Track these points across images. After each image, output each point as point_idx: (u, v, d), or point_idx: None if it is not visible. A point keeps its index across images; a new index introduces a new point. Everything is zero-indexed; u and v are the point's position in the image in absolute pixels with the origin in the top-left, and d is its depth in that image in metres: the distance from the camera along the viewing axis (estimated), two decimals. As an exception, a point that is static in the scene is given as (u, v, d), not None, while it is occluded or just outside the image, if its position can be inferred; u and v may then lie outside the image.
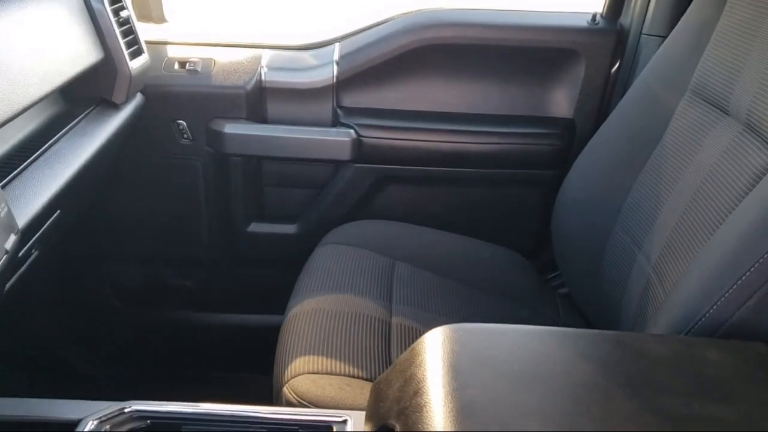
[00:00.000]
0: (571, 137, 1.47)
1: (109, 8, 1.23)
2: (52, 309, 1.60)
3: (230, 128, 1.44)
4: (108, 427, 0.76)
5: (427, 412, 0.61)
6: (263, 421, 0.78)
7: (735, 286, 0.78)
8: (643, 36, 1.39)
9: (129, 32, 1.30)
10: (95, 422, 0.76)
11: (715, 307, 0.79)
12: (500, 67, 1.48)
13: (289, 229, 1.56)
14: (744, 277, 0.78)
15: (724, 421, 0.62)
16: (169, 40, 1.51)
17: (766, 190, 0.81)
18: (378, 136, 1.46)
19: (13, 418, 0.78)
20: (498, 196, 1.53)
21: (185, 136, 1.46)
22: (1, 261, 0.74)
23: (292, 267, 1.32)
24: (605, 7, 1.44)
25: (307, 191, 1.54)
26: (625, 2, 1.43)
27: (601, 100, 1.46)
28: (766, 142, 0.89)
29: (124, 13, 1.29)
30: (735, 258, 0.79)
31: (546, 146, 1.47)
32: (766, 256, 0.76)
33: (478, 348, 0.70)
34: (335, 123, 1.46)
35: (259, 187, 1.54)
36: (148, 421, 0.78)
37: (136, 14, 1.37)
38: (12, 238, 0.77)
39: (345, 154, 1.45)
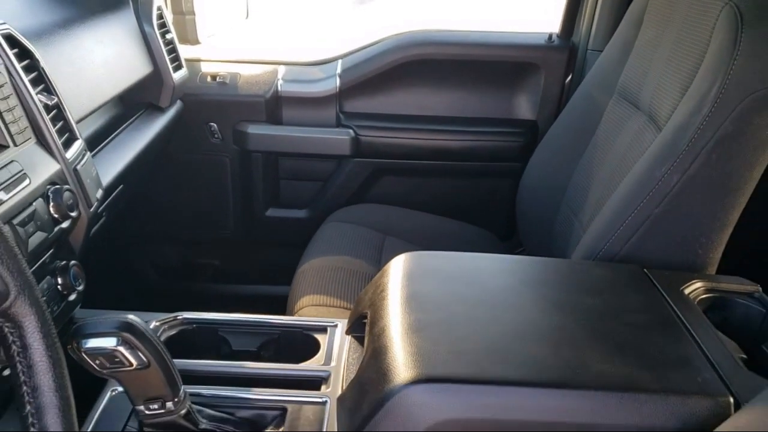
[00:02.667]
0: (534, 135, 1.74)
1: (157, 32, 1.53)
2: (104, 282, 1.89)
3: (252, 129, 1.74)
4: (165, 327, 1.04)
5: (386, 300, 0.89)
6: (278, 325, 1.06)
7: (621, 228, 1.06)
8: (588, 51, 1.67)
9: (172, 51, 1.60)
10: (157, 324, 1.04)
11: (609, 243, 1.07)
12: (474, 77, 1.76)
13: (300, 213, 1.85)
14: (626, 222, 1.05)
15: (593, 307, 0.89)
16: (203, 57, 1.82)
17: (648, 160, 1.08)
18: (373, 135, 1.75)
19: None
20: (474, 185, 1.81)
21: (215, 136, 1.76)
22: (94, 205, 1.04)
23: (302, 245, 1.59)
24: (560, 28, 1.73)
25: (315, 182, 1.83)
26: (575, 24, 1.71)
27: (558, 104, 1.73)
28: (658, 127, 1.16)
29: (168, 36, 1.60)
30: (622, 208, 1.07)
31: (513, 143, 1.75)
32: (640, 206, 1.04)
33: (429, 264, 0.98)
34: (338, 124, 1.75)
35: (276, 179, 1.83)
36: (194, 326, 1.06)
37: (177, 37, 1.68)
38: (100, 192, 1.07)
39: (345, 150, 1.75)
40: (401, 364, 0.74)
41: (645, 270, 0.99)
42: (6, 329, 0.51)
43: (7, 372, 0.75)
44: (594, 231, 1.11)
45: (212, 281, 1.94)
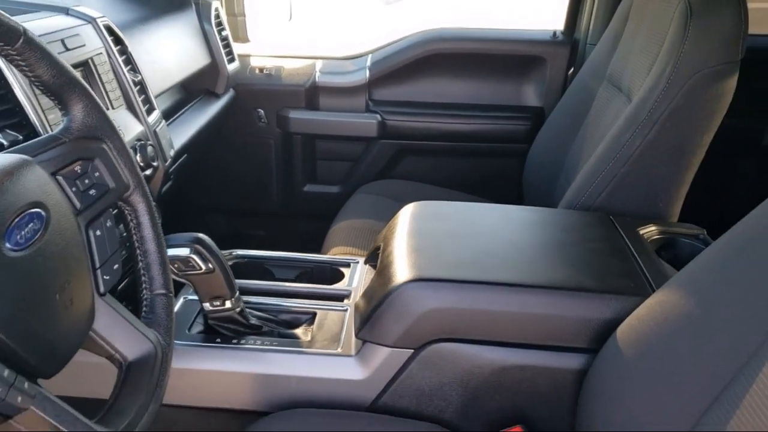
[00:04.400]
0: (540, 120, 1.95)
1: (215, 30, 1.79)
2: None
3: (293, 114, 1.99)
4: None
5: (395, 233, 1.11)
6: (312, 260, 1.30)
7: (594, 184, 1.26)
8: (588, 45, 1.87)
9: (227, 46, 1.86)
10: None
11: (584, 196, 1.27)
12: (487, 69, 1.98)
13: (334, 189, 2.08)
14: (598, 179, 1.26)
15: (560, 238, 1.10)
16: (252, 53, 2.07)
17: (616, 128, 1.28)
18: (397, 120, 1.98)
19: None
20: (486, 163, 2.02)
21: (262, 120, 2.02)
22: (169, 161, 1.29)
23: (335, 217, 1.82)
24: (564, 26, 1.94)
25: (346, 162, 2.07)
26: (577, 22, 1.92)
27: (561, 92, 1.93)
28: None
29: (224, 33, 1.86)
30: (595, 167, 1.27)
31: (521, 126, 1.96)
32: (609, 166, 1.24)
33: (432, 209, 1.20)
34: (367, 110, 1.99)
35: (313, 158, 2.08)
36: (245, 260, 1.31)
37: (230, 35, 1.94)
38: (172, 151, 1.33)
39: (373, 133, 1.98)
40: (400, 271, 0.97)
41: (611, 217, 1.20)
42: (126, 211, 0.75)
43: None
44: (574, 187, 1.31)
45: (257, 248, 2.18)
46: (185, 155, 1.56)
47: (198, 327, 1.06)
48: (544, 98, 1.96)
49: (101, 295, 0.68)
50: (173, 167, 1.45)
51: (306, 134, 2.02)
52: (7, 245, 0.54)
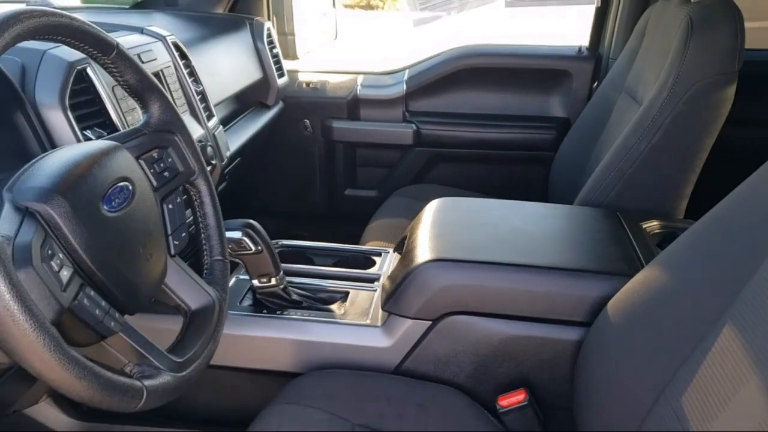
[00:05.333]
0: (565, 129, 2.06)
1: (267, 47, 1.97)
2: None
3: (336, 124, 2.15)
4: (269, 249, 1.44)
5: (420, 223, 1.25)
6: (348, 250, 1.44)
7: (604, 184, 1.38)
8: (610, 59, 1.98)
9: (277, 62, 2.04)
10: (263, 246, 1.44)
11: (596, 195, 1.39)
12: (516, 82, 2.10)
13: (372, 193, 2.23)
14: (608, 179, 1.37)
15: (567, 227, 1.22)
16: (300, 69, 2.25)
17: (625, 133, 1.39)
18: (431, 129, 2.12)
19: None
20: (514, 170, 2.14)
21: (308, 129, 2.18)
22: (225, 160, 1.46)
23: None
24: (589, 42, 2.06)
25: (384, 168, 2.22)
26: (601, 38, 2.03)
27: (586, 103, 2.04)
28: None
29: (275, 51, 2.04)
30: (606, 168, 1.39)
31: (547, 135, 2.07)
32: (618, 167, 1.35)
33: (456, 204, 1.33)
34: (403, 120, 2.14)
35: (354, 165, 2.23)
36: (289, 248, 1.46)
37: (281, 53, 2.11)
38: (228, 152, 1.50)
39: (408, 141, 2.12)
40: (421, 253, 1.11)
41: (617, 213, 1.31)
42: (192, 192, 0.92)
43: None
44: (587, 186, 1.43)
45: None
46: (239, 159, 1.73)
47: (247, 301, 1.22)
48: (569, 109, 2.08)
49: (172, 256, 0.84)
50: (228, 168, 1.62)
51: (347, 142, 2.18)
52: (105, 207, 0.70)
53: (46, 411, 1.19)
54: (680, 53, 1.29)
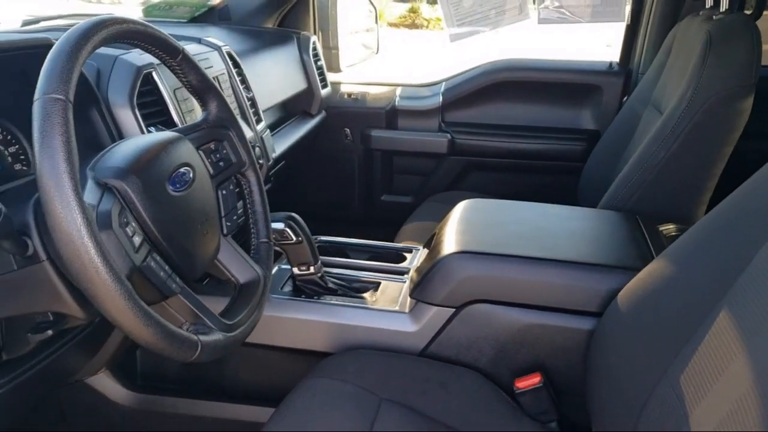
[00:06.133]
0: (595, 141, 2.12)
1: (312, 60, 2.09)
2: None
3: (375, 133, 2.26)
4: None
5: (448, 221, 1.34)
6: (382, 247, 1.54)
7: (626, 189, 1.44)
8: (639, 75, 2.04)
9: (321, 74, 2.16)
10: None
11: (617, 200, 1.45)
12: (548, 95, 2.18)
13: (407, 199, 2.33)
14: (630, 184, 1.44)
15: (588, 226, 1.29)
16: (343, 81, 2.37)
17: (646, 142, 1.45)
18: (465, 138, 2.20)
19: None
20: (544, 179, 2.20)
21: (348, 138, 2.30)
22: (271, 161, 1.57)
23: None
24: (619, 58, 2.12)
25: (419, 176, 2.31)
26: (631, 54, 2.10)
27: (615, 116, 2.10)
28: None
29: (319, 63, 2.16)
30: (628, 175, 1.45)
31: (578, 146, 2.14)
32: (639, 173, 1.42)
33: (482, 205, 1.42)
34: (439, 130, 2.23)
35: (390, 172, 2.33)
36: (327, 244, 1.56)
37: (325, 65, 2.23)
38: (274, 154, 1.61)
39: (443, 150, 2.22)
40: (447, 246, 1.19)
41: (636, 216, 1.37)
42: (242, 182, 1.02)
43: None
44: (610, 191, 1.50)
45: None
46: (283, 162, 1.85)
47: (288, 287, 1.32)
48: (599, 122, 2.14)
49: (224, 235, 0.95)
50: (273, 171, 1.74)
51: (385, 150, 2.28)
52: (170, 187, 0.81)
53: (104, 382, 1.31)
54: (699, 66, 1.36)
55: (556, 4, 1.95)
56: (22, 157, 1.02)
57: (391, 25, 11.51)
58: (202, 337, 0.77)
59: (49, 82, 0.66)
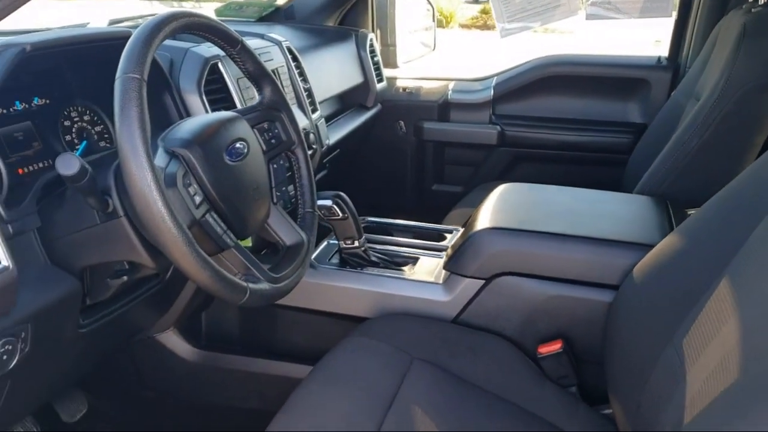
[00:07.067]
0: (642, 134, 2.15)
1: (369, 56, 2.21)
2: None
3: (427, 125, 2.35)
4: (357, 223, 1.66)
5: (484, 202, 1.43)
6: (422, 228, 1.64)
7: (661, 174, 1.49)
8: (687, 69, 2.06)
9: (377, 69, 2.27)
10: (352, 221, 1.66)
11: (652, 185, 1.50)
12: (597, 88, 2.22)
13: (457, 188, 2.41)
14: (664, 170, 1.49)
15: (615, 208, 1.36)
16: (399, 76, 2.48)
17: (680, 129, 1.50)
18: (515, 131, 2.27)
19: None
20: (590, 171, 2.24)
21: (402, 130, 2.40)
22: (325, 147, 1.70)
23: None
24: (668, 52, 2.15)
25: (469, 166, 2.40)
26: (679, 49, 2.12)
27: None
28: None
29: (375, 59, 2.27)
30: (663, 161, 1.50)
31: (624, 139, 2.17)
32: (672, 160, 1.47)
33: (518, 188, 1.50)
34: (489, 122, 2.31)
35: (442, 163, 2.43)
36: (374, 224, 1.67)
37: (382, 62, 2.35)
38: (327, 142, 1.74)
39: (493, 141, 2.29)
40: (480, 223, 1.29)
41: (667, 201, 1.42)
42: (291, 158, 1.15)
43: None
44: (644, 177, 1.55)
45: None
46: (338, 150, 1.98)
47: (335, 259, 1.44)
48: (646, 116, 2.17)
49: (274, 203, 1.08)
50: (328, 158, 1.87)
51: (437, 142, 2.38)
52: (227, 157, 0.94)
53: (172, 339, 1.47)
54: (732, 57, 1.40)
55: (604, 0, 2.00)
56: (106, 135, 1.18)
57: (462, 26, 11.51)
58: (251, 285, 0.89)
59: (127, 63, 0.80)
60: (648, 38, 5.63)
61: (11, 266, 0.82)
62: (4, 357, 0.85)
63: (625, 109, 2.22)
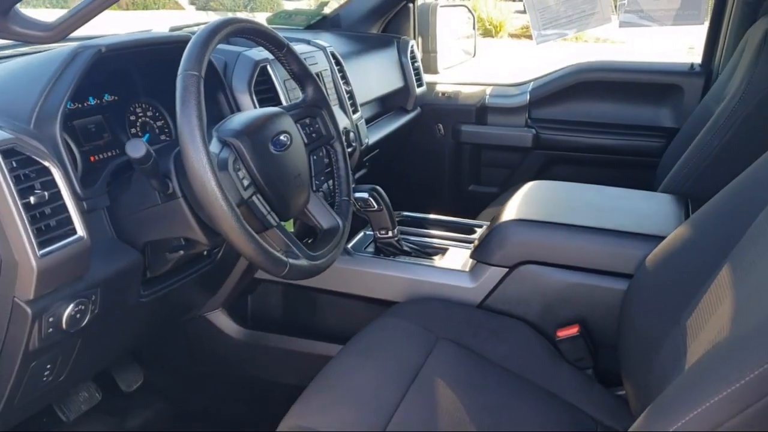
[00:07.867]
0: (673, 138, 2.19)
1: (410, 62, 2.31)
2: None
3: (465, 128, 2.44)
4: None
5: (512, 197, 1.51)
6: (454, 222, 1.73)
7: (684, 172, 1.55)
8: (719, 75, 2.09)
9: (417, 74, 2.37)
10: (389, 215, 1.77)
11: (676, 182, 1.56)
12: (630, 95, 2.27)
13: (493, 190, 2.48)
14: (688, 167, 1.54)
15: (637, 205, 1.42)
16: (438, 81, 2.57)
17: (704, 131, 1.55)
18: (550, 134, 2.34)
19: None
20: (622, 174, 2.27)
21: (440, 132, 2.49)
22: (365, 145, 1.80)
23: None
24: (701, 59, 2.18)
25: (505, 168, 2.47)
26: (712, 55, 2.15)
27: (693, 114, 2.16)
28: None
29: (416, 65, 2.37)
30: (687, 159, 1.56)
31: (657, 143, 2.21)
32: (695, 158, 1.52)
33: (545, 185, 1.57)
34: (525, 126, 2.38)
35: (478, 164, 2.50)
36: (408, 218, 1.77)
37: (423, 68, 2.44)
38: (367, 140, 1.84)
39: (528, 144, 2.36)
40: (505, 215, 1.37)
41: (688, 199, 1.48)
42: (330, 152, 1.26)
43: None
44: (668, 177, 1.61)
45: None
46: (377, 150, 2.08)
47: (370, 248, 1.54)
48: (679, 121, 2.20)
49: (314, 191, 1.19)
50: (367, 157, 1.97)
51: (474, 144, 2.46)
52: (272, 147, 1.06)
53: (221, 318, 1.59)
54: (754, 60, 1.45)
55: (637, 8, 2.05)
56: (166, 129, 1.32)
57: (512, 36, 11.53)
58: (291, 260, 1.00)
59: (188, 62, 0.92)
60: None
61: (86, 237, 0.94)
62: (78, 315, 0.97)
63: (657, 114, 2.26)
